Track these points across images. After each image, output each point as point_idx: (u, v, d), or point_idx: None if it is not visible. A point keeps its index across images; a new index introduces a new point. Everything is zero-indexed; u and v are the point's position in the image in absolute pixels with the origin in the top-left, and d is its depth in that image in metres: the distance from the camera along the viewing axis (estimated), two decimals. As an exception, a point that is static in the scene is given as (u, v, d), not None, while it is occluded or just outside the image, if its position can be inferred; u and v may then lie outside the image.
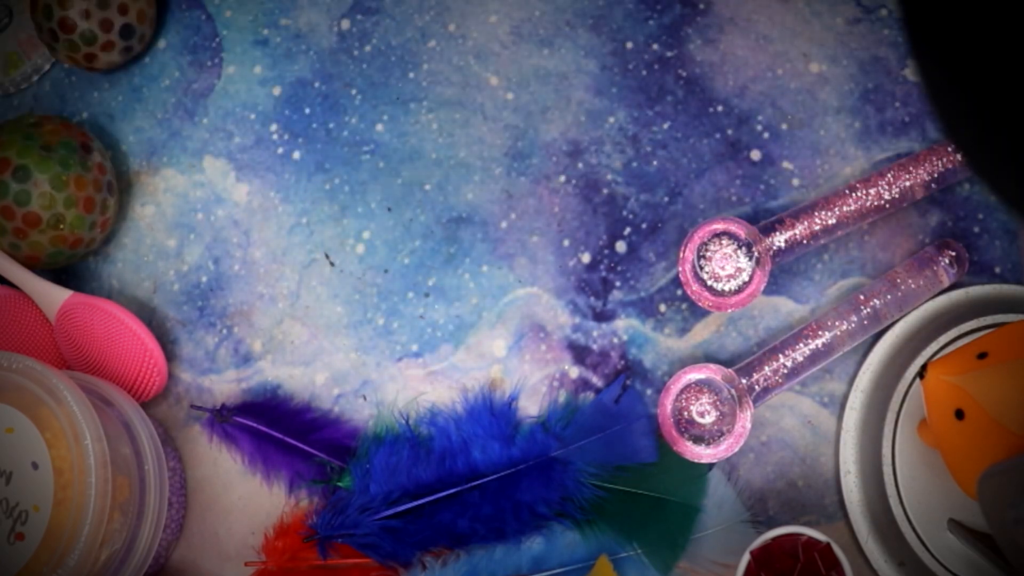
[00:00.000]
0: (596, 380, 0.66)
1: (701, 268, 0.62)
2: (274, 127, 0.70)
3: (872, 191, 0.63)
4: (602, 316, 0.66)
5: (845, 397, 0.64)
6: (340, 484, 0.64)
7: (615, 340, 0.66)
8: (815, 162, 0.66)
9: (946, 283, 0.63)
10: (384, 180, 0.69)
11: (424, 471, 0.63)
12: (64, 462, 0.55)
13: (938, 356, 0.59)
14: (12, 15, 0.72)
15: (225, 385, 0.68)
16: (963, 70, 0.32)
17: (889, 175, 0.63)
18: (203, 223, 0.70)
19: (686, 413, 0.61)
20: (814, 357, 0.62)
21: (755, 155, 0.67)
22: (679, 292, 0.66)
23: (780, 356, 0.62)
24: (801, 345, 0.62)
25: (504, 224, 0.68)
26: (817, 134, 0.67)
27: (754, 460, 0.64)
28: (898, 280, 0.63)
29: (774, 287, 0.66)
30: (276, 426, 0.66)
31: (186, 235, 0.70)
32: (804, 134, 0.67)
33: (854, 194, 0.63)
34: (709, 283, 0.62)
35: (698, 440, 0.61)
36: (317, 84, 0.70)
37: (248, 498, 0.67)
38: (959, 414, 0.53)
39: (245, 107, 0.70)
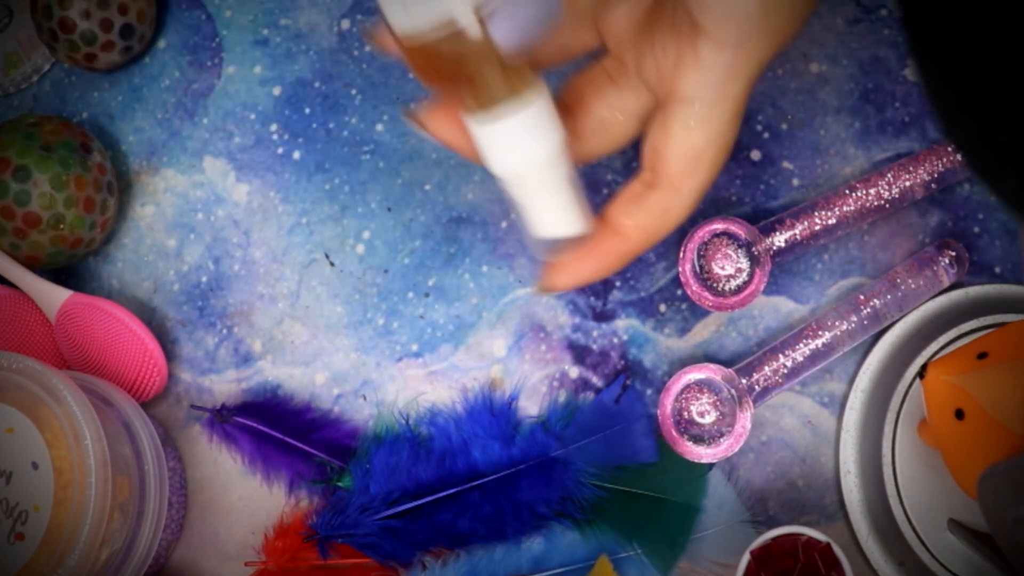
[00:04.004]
0: (596, 380, 0.66)
1: (701, 268, 0.62)
2: (274, 127, 0.70)
3: (872, 191, 0.63)
4: (602, 316, 0.66)
5: (845, 397, 0.64)
6: (340, 484, 0.64)
7: (615, 340, 0.66)
8: (815, 162, 0.66)
9: (946, 283, 0.63)
10: (384, 180, 0.69)
11: (424, 471, 0.63)
12: (64, 462, 0.55)
13: (938, 356, 0.59)
14: (12, 15, 0.72)
15: (225, 385, 0.68)
16: (963, 70, 0.32)
17: (889, 175, 0.63)
18: (203, 223, 0.70)
19: (686, 413, 0.61)
20: (814, 357, 0.62)
21: (755, 155, 0.67)
22: (679, 292, 0.66)
23: (780, 356, 0.62)
24: (801, 345, 0.62)
25: (504, 224, 0.68)
26: (817, 134, 0.67)
27: (754, 460, 0.64)
28: (898, 280, 0.63)
29: (774, 287, 0.66)
30: (276, 426, 0.66)
31: (186, 235, 0.70)
32: (804, 134, 0.67)
33: (854, 194, 0.63)
34: (709, 283, 0.62)
35: (698, 440, 0.61)
36: (317, 84, 0.70)
37: (248, 498, 0.67)
38: (959, 414, 0.53)
39: (245, 107, 0.70)
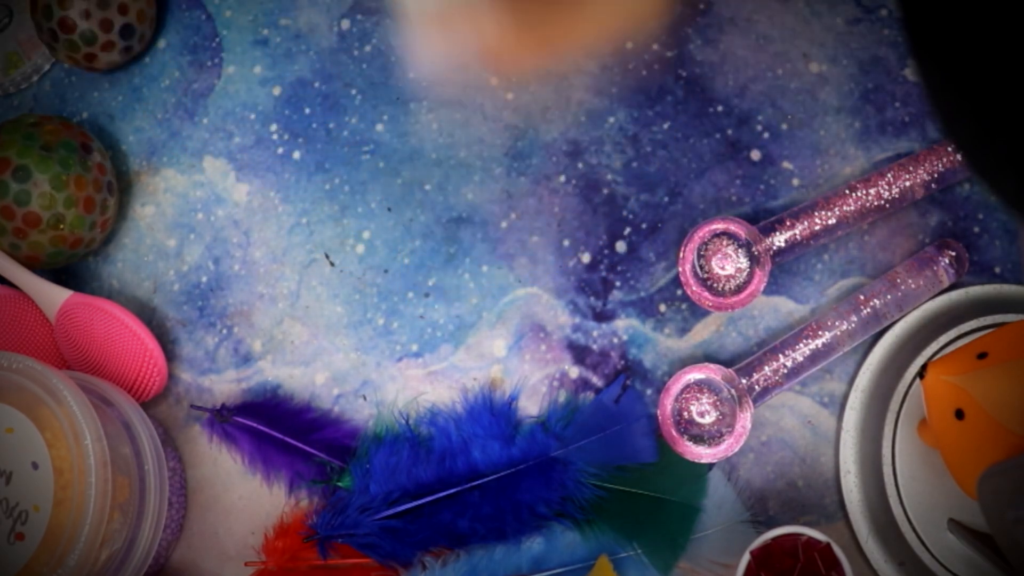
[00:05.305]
0: (596, 380, 0.66)
1: (701, 268, 0.62)
2: (274, 127, 0.70)
3: (872, 191, 0.63)
4: (602, 316, 0.66)
5: (845, 397, 0.64)
6: (340, 484, 0.64)
7: (615, 340, 0.66)
8: (815, 162, 0.66)
9: (946, 283, 0.63)
10: (384, 180, 0.69)
11: (424, 471, 0.63)
12: (64, 462, 0.55)
13: (938, 356, 0.59)
14: (12, 15, 0.72)
15: (225, 385, 0.68)
16: (963, 70, 0.32)
17: (889, 175, 0.63)
18: (203, 223, 0.70)
19: (686, 413, 0.61)
20: (814, 357, 0.62)
21: (755, 155, 0.67)
22: (679, 292, 0.66)
23: (780, 356, 0.62)
24: (801, 345, 0.62)
25: (504, 224, 0.68)
26: (817, 134, 0.67)
27: (754, 460, 0.64)
28: (898, 280, 0.63)
29: (774, 287, 0.66)
30: (276, 426, 0.66)
31: (186, 235, 0.70)
32: (804, 134, 0.67)
33: (854, 194, 0.63)
34: (709, 283, 0.62)
35: (698, 440, 0.61)
36: (317, 84, 0.70)
37: (248, 498, 0.67)
38: (959, 414, 0.53)
39: (245, 107, 0.70)
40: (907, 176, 0.63)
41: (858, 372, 0.64)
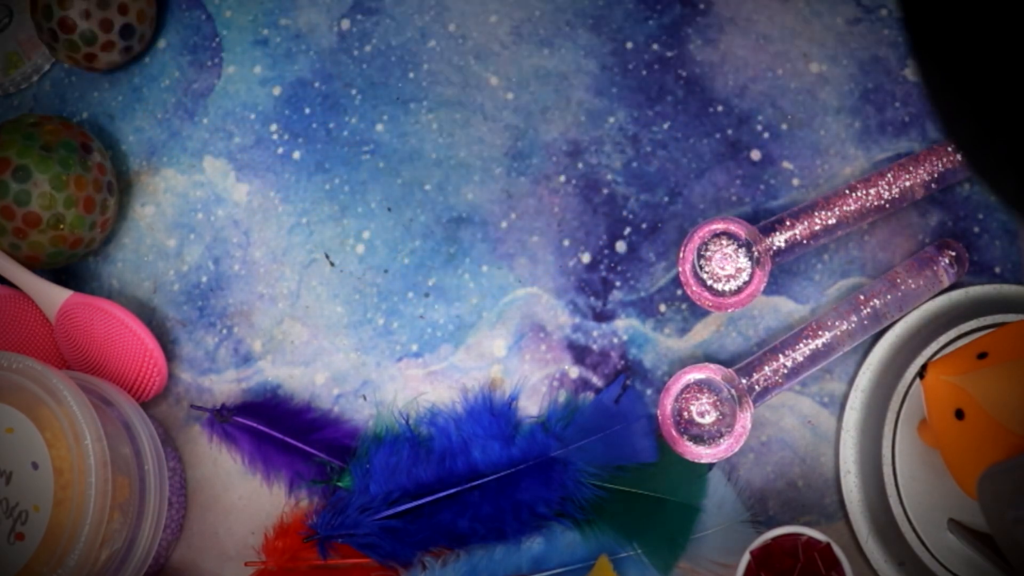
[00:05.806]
0: (596, 380, 0.66)
1: (701, 268, 0.62)
2: (274, 127, 0.70)
3: (872, 191, 0.63)
4: (602, 316, 0.66)
5: (845, 397, 0.64)
6: (340, 484, 0.64)
7: (615, 340, 0.66)
8: (815, 162, 0.66)
9: (946, 283, 0.63)
10: (384, 180, 0.69)
11: (424, 471, 0.63)
12: (64, 462, 0.55)
13: (938, 356, 0.59)
14: (12, 15, 0.72)
15: (225, 385, 0.68)
16: (963, 70, 0.32)
17: (889, 175, 0.63)
18: (203, 223, 0.70)
19: (686, 413, 0.61)
20: (814, 357, 0.62)
21: (755, 155, 0.67)
22: (679, 292, 0.66)
23: (780, 356, 0.62)
24: (801, 345, 0.62)
25: (504, 224, 0.68)
26: (817, 134, 0.67)
27: (754, 460, 0.64)
28: (898, 280, 0.63)
29: (774, 287, 0.66)
30: (276, 426, 0.66)
31: (186, 235, 0.70)
32: (804, 134, 0.67)
33: (854, 194, 0.63)
34: (709, 283, 0.62)
35: (698, 440, 0.61)
36: (317, 84, 0.70)
37: (248, 498, 0.67)
38: (959, 414, 0.53)
39: (245, 107, 0.70)
40: (907, 176, 0.63)
41: (858, 372, 0.64)
